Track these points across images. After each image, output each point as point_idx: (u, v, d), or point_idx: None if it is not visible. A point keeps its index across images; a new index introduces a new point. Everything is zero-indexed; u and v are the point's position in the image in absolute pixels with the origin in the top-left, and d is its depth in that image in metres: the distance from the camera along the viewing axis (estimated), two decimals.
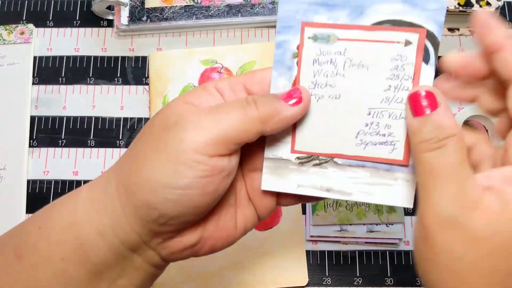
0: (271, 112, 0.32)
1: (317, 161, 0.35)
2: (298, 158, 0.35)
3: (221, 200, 0.34)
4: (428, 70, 0.32)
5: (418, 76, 0.32)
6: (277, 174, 0.35)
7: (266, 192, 0.36)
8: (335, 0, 0.33)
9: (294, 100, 0.32)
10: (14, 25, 0.62)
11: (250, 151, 0.36)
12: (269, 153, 0.35)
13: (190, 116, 0.32)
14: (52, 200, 0.57)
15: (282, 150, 0.35)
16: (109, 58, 0.61)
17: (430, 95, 0.30)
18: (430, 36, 0.32)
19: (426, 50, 0.32)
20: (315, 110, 0.34)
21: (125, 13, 0.61)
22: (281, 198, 0.37)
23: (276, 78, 0.34)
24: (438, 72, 0.32)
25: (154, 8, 0.61)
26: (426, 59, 0.32)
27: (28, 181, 0.57)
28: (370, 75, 0.33)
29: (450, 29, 0.62)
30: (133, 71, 0.61)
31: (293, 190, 0.35)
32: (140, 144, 0.33)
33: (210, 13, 0.61)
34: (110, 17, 0.63)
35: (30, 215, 0.56)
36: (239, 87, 0.35)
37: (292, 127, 0.34)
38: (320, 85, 0.33)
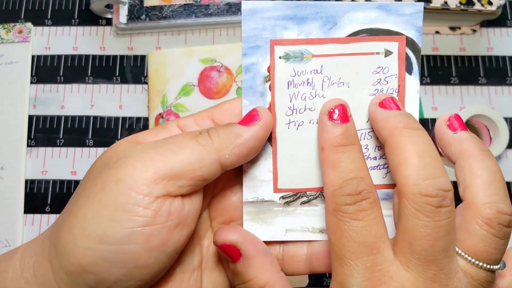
0: (226, 137, 0.28)
1: (305, 198, 0.31)
2: (282, 197, 0.31)
3: (181, 261, 0.30)
4: (412, 81, 0.30)
5: (403, 88, 0.30)
6: (260, 220, 0.31)
7: None
8: (305, 12, 0.29)
9: (253, 122, 0.28)
10: (12, 24, 0.62)
11: (221, 198, 0.32)
12: (248, 195, 0.31)
13: (132, 152, 0.27)
14: (50, 200, 0.57)
15: (264, 190, 0.31)
16: (108, 57, 0.61)
17: None
18: (410, 43, 0.30)
19: (407, 59, 0.30)
20: (295, 139, 0.30)
21: (124, 11, 0.60)
22: None
23: (248, 107, 0.30)
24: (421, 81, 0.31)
25: (153, 6, 0.61)
26: (409, 69, 0.30)
27: (26, 181, 0.57)
28: (352, 93, 0.30)
29: (452, 28, 0.61)
30: (132, 70, 0.61)
31: (281, 237, 0.31)
32: (77, 193, 0.28)
33: (209, 12, 0.61)
34: (109, 16, 0.62)
35: (28, 215, 0.56)
36: (207, 122, 0.31)
37: (273, 162, 0.31)
38: (299, 110, 0.30)
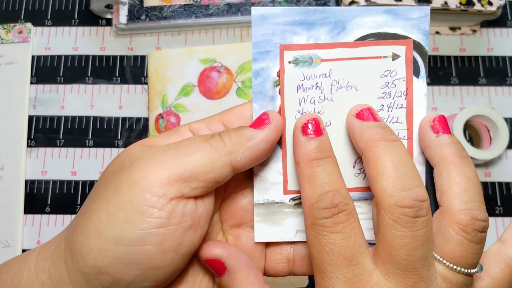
0: (238, 140, 0.28)
1: None
2: (293, 199, 0.31)
3: (193, 263, 0.30)
4: (419, 84, 0.31)
5: (411, 91, 0.30)
6: (271, 221, 0.31)
7: (254, 251, 0.32)
8: (314, 18, 0.30)
9: (264, 125, 0.29)
10: (12, 24, 0.62)
11: (232, 201, 0.32)
12: (259, 197, 0.31)
13: (146, 155, 0.28)
14: (50, 200, 0.57)
15: (274, 192, 0.31)
16: (108, 57, 0.61)
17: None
18: (417, 46, 0.30)
19: (415, 62, 0.30)
20: None
21: (124, 11, 0.60)
22: (271, 262, 0.32)
23: (258, 111, 0.30)
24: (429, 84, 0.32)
25: (153, 7, 0.61)
26: (416, 72, 0.31)
27: (26, 181, 0.57)
28: (360, 96, 0.30)
29: (452, 28, 0.61)
30: (132, 70, 0.61)
31: (291, 238, 0.31)
32: (91, 196, 0.29)
33: (209, 12, 0.61)
34: (109, 16, 0.62)
35: (28, 215, 0.56)
36: (218, 126, 0.31)
37: (282, 165, 0.31)
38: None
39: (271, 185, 0.31)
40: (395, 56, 0.30)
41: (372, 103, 0.30)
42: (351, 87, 0.30)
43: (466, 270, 0.27)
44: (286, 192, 0.31)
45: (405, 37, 0.30)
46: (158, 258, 0.27)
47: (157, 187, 0.26)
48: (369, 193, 0.31)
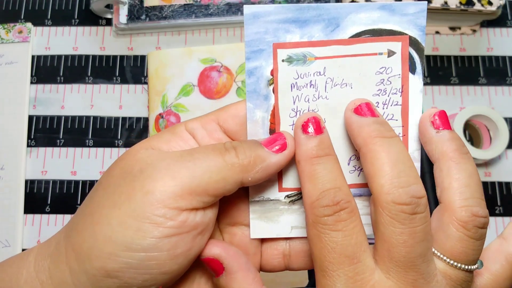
0: (253, 159, 0.28)
1: None
2: (288, 196, 0.31)
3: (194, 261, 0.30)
4: (415, 81, 0.30)
5: (406, 88, 0.30)
6: (266, 218, 0.32)
7: (249, 247, 0.32)
8: (307, 15, 0.29)
9: (277, 147, 0.29)
10: (12, 24, 0.62)
11: (229, 201, 0.32)
12: (254, 195, 0.31)
13: (158, 163, 0.28)
14: (50, 200, 0.57)
15: (269, 190, 0.31)
16: (108, 57, 0.61)
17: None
18: (413, 42, 0.30)
19: (411, 59, 0.30)
20: None
21: (124, 11, 0.60)
22: (267, 257, 0.33)
23: (252, 110, 0.30)
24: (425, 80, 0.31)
25: (153, 6, 0.61)
26: (412, 69, 0.30)
27: (26, 181, 0.57)
28: (355, 94, 0.30)
29: (452, 28, 0.61)
30: (132, 70, 0.61)
31: (287, 234, 0.32)
32: (96, 199, 0.28)
33: (209, 12, 0.61)
34: (109, 16, 0.62)
35: (28, 215, 0.56)
36: (213, 125, 0.31)
37: None
38: (302, 112, 0.30)
39: (266, 183, 0.31)
40: (390, 53, 0.30)
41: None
42: (346, 85, 0.30)
43: (466, 267, 0.27)
44: (281, 189, 0.31)
45: (401, 33, 0.30)
46: (168, 264, 0.27)
47: (170, 199, 0.27)
48: (364, 190, 0.31)
